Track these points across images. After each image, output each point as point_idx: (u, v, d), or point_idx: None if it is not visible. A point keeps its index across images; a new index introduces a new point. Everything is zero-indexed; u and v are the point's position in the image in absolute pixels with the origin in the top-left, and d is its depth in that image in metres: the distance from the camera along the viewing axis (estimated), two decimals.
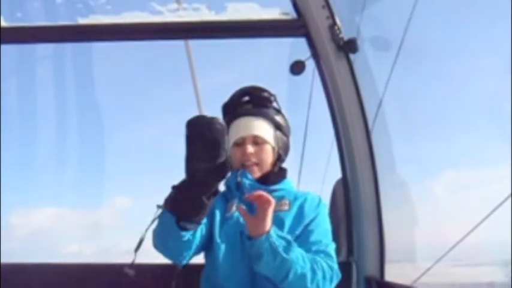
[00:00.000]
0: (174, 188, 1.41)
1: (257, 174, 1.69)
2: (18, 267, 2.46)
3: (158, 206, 1.46)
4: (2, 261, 2.36)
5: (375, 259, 2.37)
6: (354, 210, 2.43)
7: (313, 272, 1.51)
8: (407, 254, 2.51)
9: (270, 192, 1.66)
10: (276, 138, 1.73)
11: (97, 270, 2.44)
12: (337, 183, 2.57)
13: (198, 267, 1.76)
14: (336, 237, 1.74)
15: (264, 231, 1.45)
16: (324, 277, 1.54)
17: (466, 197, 2.05)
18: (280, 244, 1.46)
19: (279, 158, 1.76)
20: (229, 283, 1.59)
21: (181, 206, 1.40)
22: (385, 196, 2.41)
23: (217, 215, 1.66)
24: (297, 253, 1.50)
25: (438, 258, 2.08)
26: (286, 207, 1.66)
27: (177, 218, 1.41)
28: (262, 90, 1.77)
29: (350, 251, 2.40)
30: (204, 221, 1.50)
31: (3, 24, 2.54)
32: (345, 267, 1.67)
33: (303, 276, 1.49)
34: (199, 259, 1.73)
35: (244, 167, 1.68)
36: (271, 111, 1.75)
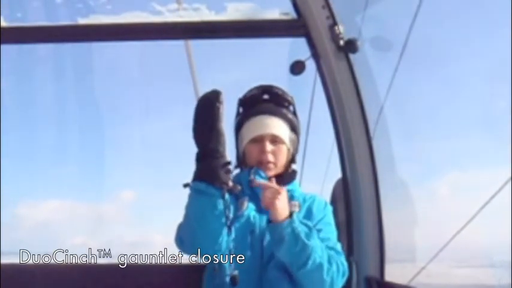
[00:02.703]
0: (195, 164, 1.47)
1: (272, 172, 1.71)
2: (18, 267, 2.46)
3: (185, 185, 1.47)
4: (2, 261, 2.36)
5: (375, 259, 2.37)
6: (354, 210, 2.43)
7: (330, 263, 1.55)
8: (408, 254, 2.51)
9: None
10: (291, 140, 1.75)
11: (98, 270, 2.44)
12: (337, 183, 2.56)
13: (200, 267, 1.76)
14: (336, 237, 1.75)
15: (286, 215, 1.49)
16: (337, 271, 1.57)
17: (467, 198, 2.05)
18: (302, 230, 1.50)
19: (293, 160, 1.77)
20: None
21: (204, 171, 1.44)
22: (385, 196, 2.41)
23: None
24: (317, 241, 1.53)
25: (439, 258, 2.08)
26: (296, 208, 1.67)
27: (205, 181, 1.43)
28: (281, 90, 1.79)
29: (350, 251, 2.40)
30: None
31: (3, 24, 2.54)
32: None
33: (321, 266, 1.52)
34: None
35: (260, 164, 1.69)
36: (289, 112, 1.77)
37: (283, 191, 1.53)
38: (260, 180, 1.57)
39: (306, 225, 1.54)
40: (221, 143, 1.44)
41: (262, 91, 1.78)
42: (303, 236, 1.48)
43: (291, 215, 1.51)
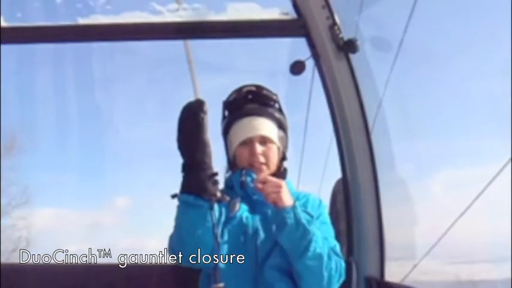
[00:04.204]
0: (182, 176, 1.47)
1: (265, 174, 1.70)
2: (18, 267, 2.46)
3: (173, 196, 1.48)
4: (2, 261, 2.36)
5: (374, 259, 2.37)
6: (354, 209, 2.43)
7: (329, 258, 1.55)
8: (405, 251, 2.52)
9: None
10: (280, 138, 1.75)
11: (97, 271, 2.44)
12: (337, 183, 2.57)
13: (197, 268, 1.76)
14: (335, 237, 1.75)
15: (289, 203, 1.52)
16: (336, 269, 1.57)
17: (463, 195, 2.05)
18: (304, 216, 1.53)
19: (283, 157, 1.77)
20: (231, 283, 1.58)
21: (191, 183, 1.45)
22: (384, 195, 2.41)
23: (220, 214, 1.65)
24: (318, 231, 1.55)
25: (435, 255, 2.08)
26: None
27: (193, 194, 1.45)
28: (265, 89, 1.77)
29: (350, 251, 2.40)
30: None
31: (3, 24, 2.54)
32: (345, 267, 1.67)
33: (320, 256, 1.53)
34: None
35: (252, 166, 1.68)
36: (275, 111, 1.76)
37: (283, 183, 1.55)
38: (260, 180, 1.57)
39: (308, 213, 1.57)
40: (207, 154, 1.44)
41: (246, 92, 1.76)
42: (304, 221, 1.51)
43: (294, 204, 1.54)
